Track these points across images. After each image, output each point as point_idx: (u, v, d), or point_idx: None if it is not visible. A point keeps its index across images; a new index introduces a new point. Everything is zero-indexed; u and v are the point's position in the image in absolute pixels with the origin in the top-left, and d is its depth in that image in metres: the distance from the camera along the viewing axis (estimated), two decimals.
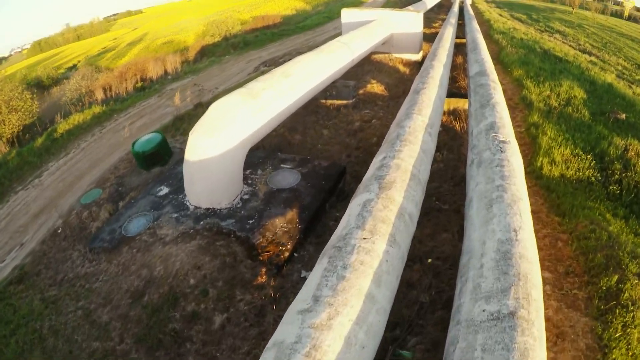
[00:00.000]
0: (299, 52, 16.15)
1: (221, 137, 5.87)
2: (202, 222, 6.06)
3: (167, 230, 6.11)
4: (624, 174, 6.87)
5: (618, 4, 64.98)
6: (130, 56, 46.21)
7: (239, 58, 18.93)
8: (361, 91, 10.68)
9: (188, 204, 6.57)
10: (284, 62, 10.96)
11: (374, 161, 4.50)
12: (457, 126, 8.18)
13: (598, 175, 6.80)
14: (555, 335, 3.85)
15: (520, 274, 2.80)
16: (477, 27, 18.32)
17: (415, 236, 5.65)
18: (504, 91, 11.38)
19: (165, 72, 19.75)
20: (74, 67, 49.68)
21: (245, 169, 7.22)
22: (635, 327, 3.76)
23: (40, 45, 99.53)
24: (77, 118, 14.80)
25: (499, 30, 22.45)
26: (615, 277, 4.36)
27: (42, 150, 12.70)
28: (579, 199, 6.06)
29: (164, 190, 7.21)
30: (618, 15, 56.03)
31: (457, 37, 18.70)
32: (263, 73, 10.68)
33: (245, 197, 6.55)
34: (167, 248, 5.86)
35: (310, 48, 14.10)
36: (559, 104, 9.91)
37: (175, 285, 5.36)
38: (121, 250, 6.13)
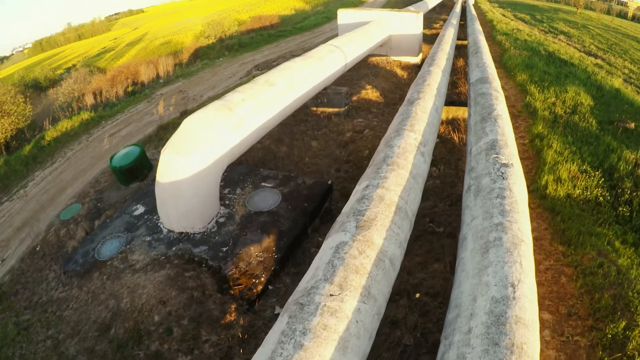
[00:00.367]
0: (294, 55, 15.62)
1: (194, 157, 5.30)
2: (174, 248, 5.56)
3: (139, 255, 5.64)
4: (634, 193, 6.28)
5: (622, 3, 64.31)
6: (128, 57, 45.87)
7: (232, 61, 18.39)
8: (355, 98, 10.10)
9: (162, 226, 6.04)
10: (277, 65, 10.44)
11: (355, 189, 3.93)
12: (455, 138, 7.60)
13: (607, 194, 6.23)
14: None
15: (514, 345, 2.26)
16: (480, 28, 17.71)
17: (404, 266, 5.10)
18: (507, 97, 10.83)
19: (158, 75, 19.24)
20: (73, 67, 49.40)
21: (224, 187, 6.72)
22: None
23: (41, 45, 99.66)
24: (65, 125, 14.52)
25: (502, 31, 21.85)
26: (623, 324, 3.81)
27: (29, 159, 12.40)
28: (586, 223, 5.50)
29: (140, 209, 6.70)
30: (622, 15, 55.28)
31: (458, 39, 18.14)
32: (254, 77, 10.15)
33: (221, 220, 6.00)
34: (136, 277, 5.38)
35: (306, 50, 13.59)
36: (565, 112, 9.32)
37: (140, 321, 4.84)
38: (92, 275, 5.69)
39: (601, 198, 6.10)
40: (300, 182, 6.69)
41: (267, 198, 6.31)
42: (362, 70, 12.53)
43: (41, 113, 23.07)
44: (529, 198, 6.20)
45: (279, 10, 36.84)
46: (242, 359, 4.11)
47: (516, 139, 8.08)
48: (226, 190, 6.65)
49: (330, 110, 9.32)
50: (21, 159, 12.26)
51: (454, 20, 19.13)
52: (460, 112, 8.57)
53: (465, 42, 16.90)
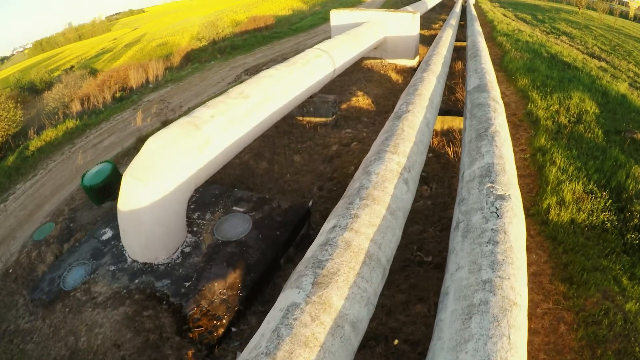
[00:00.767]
0: (285, 58, 14.99)
1: (154, 183, 4.71)
2: (136, 280, 5.03)
3: (101, 287, 5.13)
4: None
5: (622, 3, 63.76)
6: (125, 59, 45.35)
7: (223, 64, 17.75)
8: (344, 106, 9.48)
9: (127, 254, 5.47)
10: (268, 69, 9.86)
11: (322, 229, 3.32)
12: (450, 152, 6.97)
13: (614, 218, 5.61)
14: None
15: None
16: (479, 29, 17.07)
17: (385, 304, 4.50)
18: (507, 104, 10.21)
19: (147, 80, 18.63)
20: (71, 69, 48.87)
21: (194, 210, 6.14)
22: None
23: (41, 45, 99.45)
24: (49, 134, 14.08)
25: (503, 32, 21.20)
26: None
27: (12, 170, 11.99)
28: (591, 254, 4.89)
29: (108, 233, 6.13)
30: (622, 15, 54.61)
31: (458, 40, 17.50)
32: (242, 82, 9.55)
33: (187, 249, 5.40)
34: (95, 314, 4.89)
35: (299, 52, 13.00)
36: (569, 121, 8.69)
37: None
38: (56, 307, 5.25)
39: (608, 224, 5.48)
40: (275, 205, 6.08)
41: (236, 225, 5.71)
42: (355, 74, 11.92)
43: (35, 117, 22.58)
44: (529, 223, 5.60)
45: (276, 11, 36.22)
46: None
47: (516, 152, 7.47)
48: (195, 215, 6.07)
49: (317, 120, 8.71)
50: (4, 171, 11.82)
51: (453, 20, 18.50)
52: (456, 123, 7.94)
53: (464, 44, 16.26)
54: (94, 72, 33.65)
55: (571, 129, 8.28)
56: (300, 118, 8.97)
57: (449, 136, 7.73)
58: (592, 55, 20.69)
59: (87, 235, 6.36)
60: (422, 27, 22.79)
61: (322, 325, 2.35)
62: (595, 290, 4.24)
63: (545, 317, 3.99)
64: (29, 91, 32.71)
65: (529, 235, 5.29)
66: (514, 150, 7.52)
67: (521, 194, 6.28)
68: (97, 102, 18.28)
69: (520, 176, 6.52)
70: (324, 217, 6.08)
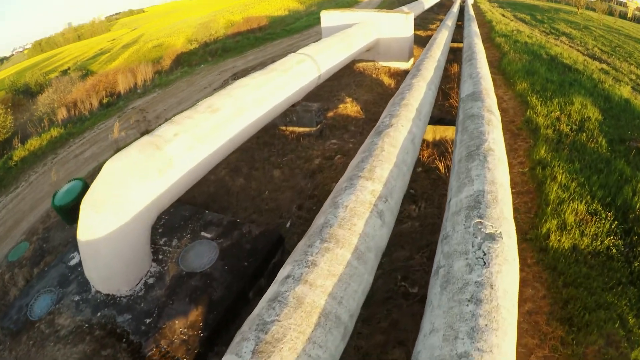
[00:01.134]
0: (275, 61, 14.45)
1: (111, 213, 4.26)
2: (99, 314, 4.62)
3: (65, 319, 4.74)
4: None
5: (621, 4, 63.39)
6: (120, 60, 44.97)
7: (213, 68, 17.20)
8: (331, 113, 8.91)
9: (91, 284, 5.01)
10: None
11: (275, 279, 2.77)
12: (441, 166, 6.40)
13: (620, 243, 5.04)
14: None
15: None
16: (477, 29, 16.51)
17: (361, 346, 3.95)
18: (505, 110, 9.64)
19: (135, 85, 18.09)
20: (66, 71, 48.42)
21: (161, 234, 5.63)
22: None
23: (40, 46, 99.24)
24: (34, 143, 13.72)
25: (501, 33, 20.63)
26: None
27: None
28: (594, 286, 4.34)
29: (76, 258, 5.67)
30: (621, 15, 54.15)
31: (455, 41, 16.95)
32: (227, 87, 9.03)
33: (150, 281, 4.89)
34: (57, 349, 4.49)
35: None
36: (571, 130, 8.12)
37: None
38: (22, 338, 4.90)
39: (614, 250, 4.92)
40: (245, 231, 5.53)
41: (202, 254, 5.19)
42: (345, 79, 11.35)
43: (28, 122, 22.11)
44: (525, 250, 5.04)
45: (272, 11, 35.67)
46: None
47: (514, 165, 6.90)
48: (162, 241, 5.56)
49: (301, 130, 8.14)
50: None
51: (449, 21, 17.93)
52: (449, 133, 7.38)
53: (462, 45, 15.70)
54: (88, 74, 33.21)
55: (573, 138, 7.72)
56: (284, 128, 8.41)
57: (441, 147, 7.17)
58: (593, 57, 20.12)
59: (56, 259, 5.92)
60: (419, 27, 22.24)
61: None
62: (597, 335, 3.68)
63: None
64: (24, 94, 32.25)
65: (525, 264, 4.74)
66: (511, 163, 6.98)
67: (519, 214, 5.75)
68: (84, 109, 17.79)
69: (518, 193, 5.96)
70: None
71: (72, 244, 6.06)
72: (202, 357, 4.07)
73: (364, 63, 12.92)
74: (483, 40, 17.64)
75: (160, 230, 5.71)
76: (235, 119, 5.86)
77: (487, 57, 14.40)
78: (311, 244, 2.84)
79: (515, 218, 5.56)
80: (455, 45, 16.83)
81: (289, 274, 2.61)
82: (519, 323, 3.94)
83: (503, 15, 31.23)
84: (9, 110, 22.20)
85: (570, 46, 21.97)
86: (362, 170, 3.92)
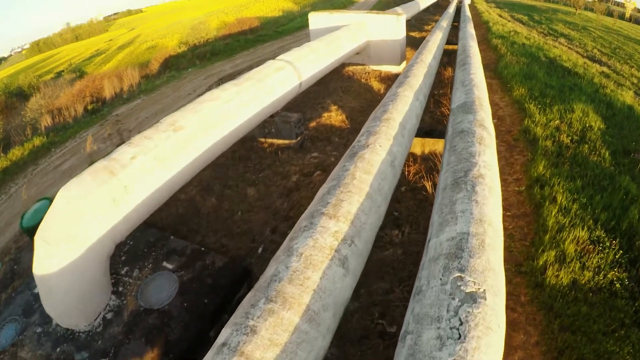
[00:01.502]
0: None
1: (63, 246, 3.88)
2: (58, 349, 4.30)
3: (27, 352, 4.44)
4: None
5: (618, 4, 63.07)
6: (114, 62, 44.38)
7: (200, 72, 16.56)
8: (313, 123, 8.31)
9: None
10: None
11: (212, 347, 2.17)
12: (428, 185, 5.79)
13: (625, 276, 4.47)
14: None
15: None
16: (472, 31, 15.89)
17: None
18: (502, 118, 9.04)
19: (122, 90, 17.47)
20: (61, 73, 47.74)
21: (123, 263, 5.15)
22: None
23: (38, 46, 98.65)
24: (16, 153, 13.11)
25: (498, 34, 20.07)
26: None
27: None
28: (594, 330, 3.78)
29: None
30: (619, 16, 53.72)
31: (450, 43, 16.35)
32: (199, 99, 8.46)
33: (109, 316, 4.46)
34: None
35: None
36: (572, 140, 7.53)
37: None
38: None
39: (617, 284, 4.34)
40: (209, 262, 5.02)
41: (162, 288, 4.69)
42: (333, 84, 10.75)
43: (19, 126, 21.53)
44: (519, 284, 4.44)
45: (266, 12, 35.07)
46: None
47: (510, 182, 6.30)
48: (124, 270, 5.07)
49: (280, 142, 7.54)
50: None
51: (444, 22, 17.33)
52: (439, 146, 6.77)
53: (457, 47, 15.11)
54: (82, 76, 32.58)
55: (574, 151, 7.13)
56: (263, 140, 7.81)
57: (430, 162, 6.56)
58: (593, 59, 19.53)
59: (22, 285, 5.48)
60: (413, 28, 21.67)
61: None
62: None
63: None
64: (17, 97, 31.69)
65: (518, 303, 4.15)
66: (506, 180, 6.37)
67: (513, 241, 5.12)
68: (69, 115, 17.18)
69: (513, 216, 5.37)
70: None
71: None
72: None
73: (354, 67, 12.33)
74: (479, 42, 17.05)
75: (123, 258, 5.27)
76: (201, 137, 5.33)
77: (483, 60, 13.81)
78: (255, 302, 2.26)
79: (507, 247, 4.99)
80: (451, 47, 16.20)
81: (226, 341, 2.04)
82: None
83: (500, 16, 30.66)
84: None
85: (569, 48, 21.38)
86: (326, 205, 3.32)
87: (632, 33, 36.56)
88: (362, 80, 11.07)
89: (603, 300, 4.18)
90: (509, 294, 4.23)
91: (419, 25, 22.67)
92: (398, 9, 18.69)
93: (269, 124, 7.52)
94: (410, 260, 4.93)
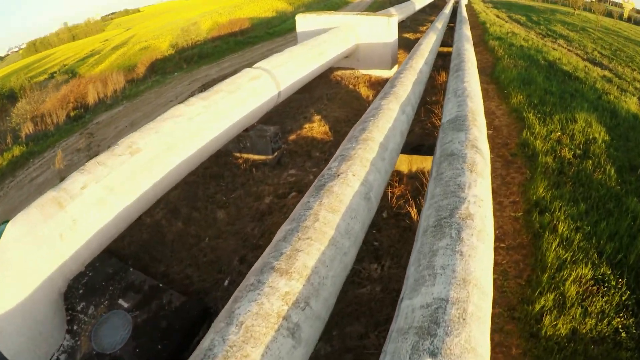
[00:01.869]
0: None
1: (10, 285, 3.58)
2: None
3: None
4: None
5: (616, 4, 62.71)
6: (107, 63, 43.68)
7: (185, 77, 15.91)
8: (293, 136, 7.65)
9: None
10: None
11: None
12: (413, 212, 5.14)
13: (631, 322, 3.85)
14: None
15: None
16: (468, 33, 15.26)
17: None
18: (499, 128, 8.39)
19: (105, 95, 16.80)
20: (53, 75, 46.98)
21: (80, 297, 4.74)
22: None
23: (35, 46, 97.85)
24: None
25: (495, 35, 19.44)
26: None
27: None
28: None
29: None
30: (615, 15, 53.28)
31: (445, 45, 15.73)
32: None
33: (62, 357, 4.08)
34: None
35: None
36: (574, 156, 6.90)
37: None
38: None
39: (623, 333, 3.73)
40: (165, 301, 4.52)
41: (115, 330, 4.26)
42: (319, 90, 10.10)
43: (8, 130, 20.91)
44: (510, 333, 3.79)
45: (260, 12, 34.38)
46: None
47: (505, 206, 5.65)
48: (80, 306, 4.61)
49: (256, 157, 6.90)
50: None
51: (439, 23, 16.70)
52: (427, 164, 6.12)
53: (452, 50, 14.46)
54: (75, 78, 31.89)
55: (577, 168, 6.49)
56: (238, 154, 7.16)
57: (416, 182, 5.91)
58: (593, 62, 18.91)
59: None
60: (408, 30, 21.03)
61: None
62: None
63: None
64: (9, 99, 31.08)
65: (509, 356, 3.51)
66: (502, 203, 5.72)
67: (507, 279, 4.45)
68: (52, 122, 16.53)
69: (507, 248, 4.73)
70: None
71: None
72: None
73: (342, 71, 11.68)
74: (476, 44, 16.42)
75: (80, 291, 4.85)
76: (161, 159, 4.77)
77: (479, 63, 13.15)
78: None
79: (500, 286, 4.34)
80: (446, 49, 15.59)
81: None
82: None
83: (497, 17, 30.04)
84: None
85: (568, 50, 20.76)
86: (279, 256, 2.68)
87: (632, 34, 35.98)
88: (350, 86, 10.42)
89: (606, 352, 3.56)
90: (498, 345, 3.60)
91: (413, 26, 22.04)
92: (392, 9, 18.06)
93: (244, 138, 6.88)
94: (389, 300, 4.29)
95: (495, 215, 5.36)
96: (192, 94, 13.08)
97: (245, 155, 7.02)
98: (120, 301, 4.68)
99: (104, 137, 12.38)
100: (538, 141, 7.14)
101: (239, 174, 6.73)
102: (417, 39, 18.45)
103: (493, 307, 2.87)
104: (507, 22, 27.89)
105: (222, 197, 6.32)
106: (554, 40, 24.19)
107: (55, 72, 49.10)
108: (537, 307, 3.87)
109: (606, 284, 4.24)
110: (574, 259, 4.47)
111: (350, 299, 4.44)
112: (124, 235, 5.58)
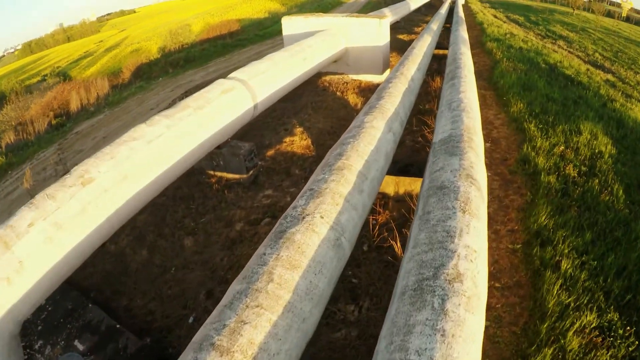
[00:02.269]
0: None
1: None
2: None
3: None
4: None
5: (614, 4, 62.30)
6: (98, 66, 42.96)
7: (169, 82, 15.22)
8: (271, 151, 7.00)
9: None
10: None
11: None
12: (397, 245, 4.50)
13: None
14: None
15: None
16: (465, 35, 14.61)
17: None
18: (496, 141, 7.74)
19: (88, 102, 16.15)
20: (45, 78, 46.23)
21: (39, 335, 4.56)
22: None
23: (30, 47, 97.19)
24: None
25: (493, 37, 18.80)
26: None
27: None
28: None
29: None
30: (616, 16, 52.78)
31: (441, 47, 15.10)
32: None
33: None
34: None
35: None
36: (579, 173, 6.28)
37: None
38: None
39: None
40: (121, 345, 4.21)
41: None
42: (304, 98, 9.46)
43: None
44: None
45: (252, 13, 33.68)
46: None
47: (503, 235, 4.98)
48: (38, 344, 4.47)
49: (229, 176, 6.26)
50: None
51: (435, 25, 16.06)
52: (416, 187, 5.47)
53: (447, 52, 13.81)
54: (64, 81, 31.23)
55: (582, 188, 5.86)
56: (212, 172, 6.52)
57: (403, 208, 5.27)
58: (595, 65, 18.29)
59: None
60: (402, 31, 20.38)
61: None
62: None
63: None
64: (0, 102, 30.51)
65: None
66: (498, 231, 5.06)
67: (500, 326, 3.80)
68: (33, 131, 15.89)
69: (503, 289, 4.10)
70: None
71: None
72: None
73: (331, 76, 11.04)
74: (473, 45, 15.77)
75: (39, 328, 4.72)
76: (117, 190, 4.27)
77: (477, 67, 12.54)
78: None
79: (492, 335, 3.69)
80: (442, 52, 14.98)
81: None
82: None
83: (495, 17, 29.42)
84: None
85: (569, 52, 20.14)
86: (221, 329, 2.14)
87: (633, 35, 35.38)
88: (338, 93, 9.77)
89: None
90: None
91: (408, 27, 21.40)
92: (385, 10, 17.42)
93: (217, 156, 6.23)
94: (365, 349, 3.67)
95: (490, 247, 4.74)
96: (174, 101, 12.44)
97: (219, 174, 6.38)
98: (77, 342, 4.41)
99: (81, 148, 11.73)
100: (540, 158, 6.51)
101: (210, 196, 6.09)
102: (412, 40, 17.83)
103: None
104: (505, 22, 27.28)
105: (190, 221, 5.69)
106: (554, 41, 23.57)
107: (46, 75, 48.36)
108: None
109: (612, 333, 3.63)
110: (577, 303, 3.86)
111: (323, 344, 3.85)
112: (87, 264, 5.11)
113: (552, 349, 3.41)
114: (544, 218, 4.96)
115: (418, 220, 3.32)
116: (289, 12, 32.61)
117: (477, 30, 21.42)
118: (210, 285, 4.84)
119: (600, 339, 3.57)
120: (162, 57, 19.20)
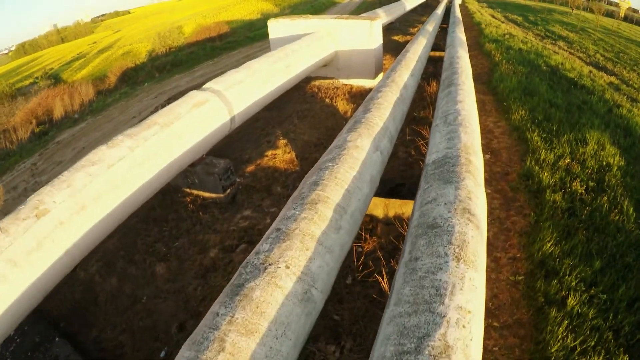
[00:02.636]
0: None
1: None
2: None
3: None
4: None
5: (611, 3, 62.00)
6: (90, 68, 42.34)
7: (154, 88, 14.66)
8: (252, 167, 6.45)
9: None
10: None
11: None
12: (383, 279, 3.96)
13: None
14: None
15: None
16: (462, 36, 14.05)
17: None
18: (496, 152, 7.22)
19: (72, 109, 15.59)
20: (37, 79, 45.58)
21: None
22: None
23: (24, 48, 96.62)
24: None
25: (492, 38, 18.27)
26: None
27: None
28: None
29: None
30: (614, 15, 52.42)
31: (437, 49, 14.56)
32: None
33: None
34: None
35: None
36: (587, 190, 5.74)
37: None
38: None
39: None
40: None
41: None
42: (291, 105, 8.92)
43: None
44: None
45: (244, 15, 33.10)
46: None
47: (503, 265, 4.44)
48: None
49: (206, 195, 5.73)
50: None
51: (430, 26, 15.52)
52: (407, 210, 4.93)
53: (444, 54, 13.25)
54: (58, 83, 30.64)
55: (591, 207, 5.33)
56: (188, 190, 5.98)
57: (391, 235, 4.72)
58: (597, 66, 17.77)
59: None
60: (397, 32, 19.85)
61: None
62: None
63: None
64: None
65: None
66: (498, 259, 4.52)
67: None
68: (16, 139, 15.30)
69: (501, 328, 3.58)
70: None
71: None
72: None
73: (321, 81, 10.51)
74: (470, 47, 15.26)
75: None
76: (73, 222, 3.90)
77: (475, 70, 11.97)
78: None
79: None
80: (438, 54, 14.43)
81: None
82: None
83: (493, 17, 28.89)
84: None
85: (570, 53, 19.62)
86: None
87: (633, 35, 34.90)
88: (327, 99, 9.23)
89: None
90: None
91: (403, 27, 20.87)
92: (379, 10, 16.89)
93: (191, 173, 5.69)
94: None
95: (489, 279, 4.21)
96: (157, 109, 11.87)
97: (195, 192, 5.84)
98: None
99: (60, 159, 11.17)
100: (545, 172, 5.97)
101: (185, 217, 5.56)
102: (407, 42, 17.30)
103: None
104: (503, 22, 26.76)
105: (163, 246, 5.17)
106: (554, 41, 23.05)
107: (38, 78, 47.70)
108: None
109: None
110: (584, 346, 3.34)
111: None
112: (56, 292, 4.70)
113: None
114: (549, 245, 4.43)
115: (403, 268, 2.78)
116: (282, 13, 32.03)
117: (474, 31, 20.90)
118: (182, 317, 4.36)
119: None
120: (149, 61, 18.61)
